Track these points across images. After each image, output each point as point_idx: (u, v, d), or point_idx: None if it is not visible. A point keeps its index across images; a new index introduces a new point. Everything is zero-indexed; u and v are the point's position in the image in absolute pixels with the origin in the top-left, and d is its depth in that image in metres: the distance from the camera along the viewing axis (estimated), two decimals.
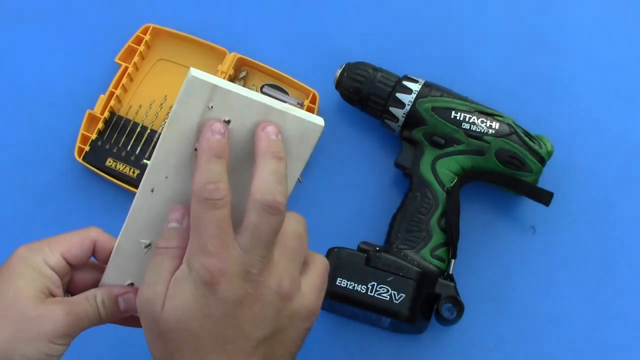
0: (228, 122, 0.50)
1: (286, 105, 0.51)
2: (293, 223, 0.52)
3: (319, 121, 0.52)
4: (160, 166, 0.52)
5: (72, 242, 0.56)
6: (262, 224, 0.48)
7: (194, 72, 0.49)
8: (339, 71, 0.80)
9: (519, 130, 0.75)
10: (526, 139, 0.75)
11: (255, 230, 0.48)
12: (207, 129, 0.49)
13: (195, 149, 0.51)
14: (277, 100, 0.51)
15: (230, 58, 0.82)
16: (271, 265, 0.50)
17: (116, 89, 0.83)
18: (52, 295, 0.55)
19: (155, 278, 0.50)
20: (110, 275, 0.57)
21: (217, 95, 0.49)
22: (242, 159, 0.52)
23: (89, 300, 0.55)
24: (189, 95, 0.49)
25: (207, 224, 0.48)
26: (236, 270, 0.48)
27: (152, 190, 0.52)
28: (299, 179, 0.51)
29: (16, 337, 0.52)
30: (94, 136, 0.81)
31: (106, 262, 0.57)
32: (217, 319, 0.48)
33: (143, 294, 0.51)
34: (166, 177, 0.52)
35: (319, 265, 0.54)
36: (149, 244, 0.55)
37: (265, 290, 0.49)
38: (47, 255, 0.55)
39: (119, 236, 0.55)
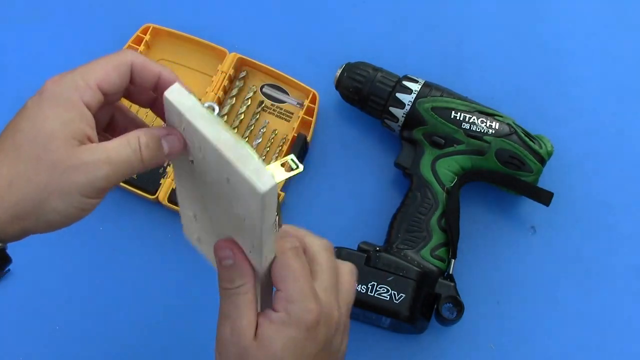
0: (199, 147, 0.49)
1: (240, 153, 0.44)
2: (347, 272, 0.56)
3: (261, 185, 0.43)
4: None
5: (108, 69, 0.50)
6: (331, 268, 0.53)
7: (170, 92, 0.48)
8: (339, 71, 0.80)
9: (519, 130, 0.75)
10: (526, 139, 0.75)
11: (330, 275, 0.53)
12: None
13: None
14: (235, 143, 0.45)
15: (230, 58, 0.82)
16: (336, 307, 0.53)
17: None
18: (88, 138, 0.49)
19: (237, 313, 0.50)
20: None
21: (184, 122, 0.48)
22: (215, 182, 0.50)
23: (131, 144, 0.49)
24: (170, 113, 0.49)
25: (299, 272, 0.50)
26: (327, 313, 0.51)
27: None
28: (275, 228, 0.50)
29: (47, 187, 0.47)
30: None
31: (145, 87, 0.52)
32: (311, 357, 0.51)
33: (227, 326, 0.51)
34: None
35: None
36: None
37: (335, 330, 0.53)
38: (81, 90, 0.49)
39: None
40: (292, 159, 0.50)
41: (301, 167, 0.50)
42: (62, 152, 0.48)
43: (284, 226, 0.51)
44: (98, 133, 0.51)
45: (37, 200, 0.48)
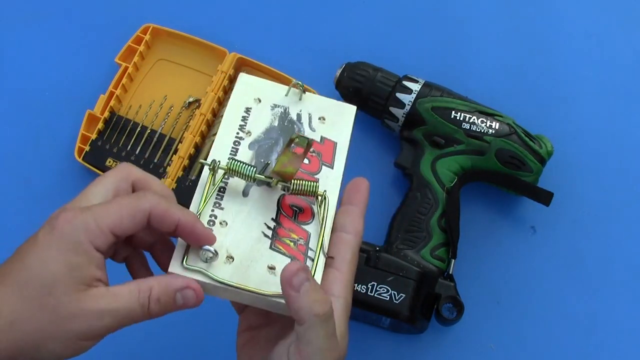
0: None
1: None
2: None
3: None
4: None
5: (123, 215, 0.49)
6: None
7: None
8: (339, 71, 0.80)
9: (519, 130, 0.75)
10: (526, 138, 0.75)
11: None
12: None
13: None
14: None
15: (230, 58, 0.82)
16: None
17: (116, 89, 0.83)
18: (97, 280, 0.49)
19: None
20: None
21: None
22: None
23: (140, 298, 0.49)
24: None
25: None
26: None
27: None
28: None
29: (47, 331, 0.47)
30: (94, 136, 0.81)
31: (163, 231, 0.51)
32: None
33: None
34: None
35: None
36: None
37: None
38: (93, 234, 0.48)
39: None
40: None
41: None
42: (66, 298, 0.47)
43: None
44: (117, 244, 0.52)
45: (35, 343, 0.48)
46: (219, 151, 0.56)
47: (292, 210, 0.55)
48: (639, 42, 0.86)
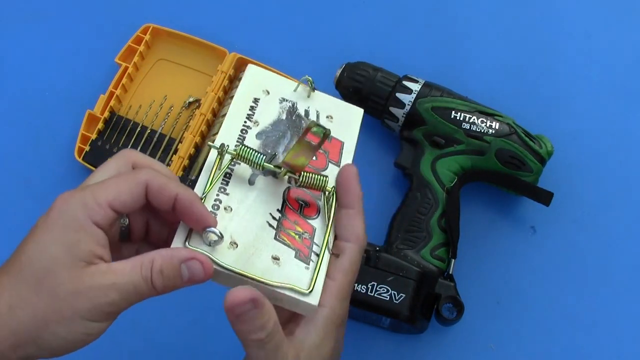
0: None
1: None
2: None
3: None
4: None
5: (121, 188, 0.48)
6: None
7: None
8: (339, 71, 0.80)
9: (519, 130, 0.75)
10: (526, 138, 0.75)
11: None
12: None
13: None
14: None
15: (230, 58, 0.82)
16: None
17: (116, 89, 0.83)
18: (99, 258, 0.47)
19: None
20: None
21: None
22: None
23: (142, 270, 0.47)
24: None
25: None
26: None
27: None
28: None
29: (47, 312, 0.46)
30: (94, 136, 0.81)
31: (162, 207, 0.50)
32: None
33: None
34: None
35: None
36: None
37: None
38: (91, 210, 0.47)
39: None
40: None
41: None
42: (65, 276, 0.46)
43: None
44: (134, 241, 0.51)
45: (35, 327, 0.46)
46: (226, 137, 0.56)
47: (297, 204, 0.55)
48: (638, 42, 0.86)
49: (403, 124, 0.78)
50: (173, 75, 0.85)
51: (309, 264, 0.52)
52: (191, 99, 0.83)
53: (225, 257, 0.50)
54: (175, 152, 0.81)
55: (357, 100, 0.79)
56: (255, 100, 0.58)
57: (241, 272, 0.49)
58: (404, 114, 0.77)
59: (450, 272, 0.74)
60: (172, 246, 0.49)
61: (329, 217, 0.54)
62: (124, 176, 0.49)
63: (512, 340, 0.76)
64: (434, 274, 0.73)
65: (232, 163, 0.54)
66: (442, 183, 0.75)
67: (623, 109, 0.83)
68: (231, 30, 0.86)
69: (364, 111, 0.80)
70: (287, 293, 0.49)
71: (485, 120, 0.76)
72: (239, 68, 0.84)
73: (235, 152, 0.53)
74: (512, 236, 0.79)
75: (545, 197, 0.76)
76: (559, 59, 0.85)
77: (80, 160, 0.81)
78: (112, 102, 0.82)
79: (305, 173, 0.54)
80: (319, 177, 0.54)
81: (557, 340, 0.76)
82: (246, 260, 0.50)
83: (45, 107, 0.85)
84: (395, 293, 0.70)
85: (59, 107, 0.85)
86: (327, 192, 0.55)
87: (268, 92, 0.59)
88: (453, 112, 0.76)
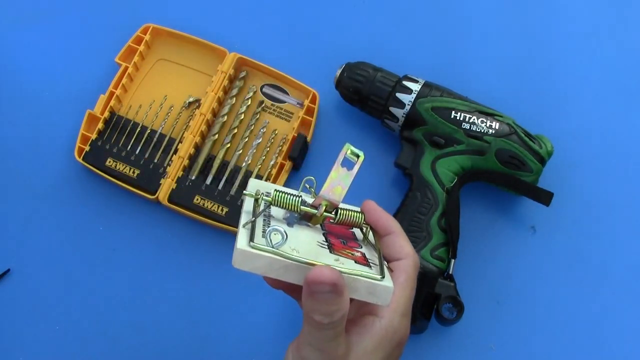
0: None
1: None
2: None
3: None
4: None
5: None
6: None
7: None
8: (339, 71, 0.80)
9: (519, 130, 0.75)
10: (526, 138, 0.75)
11: None
12: None
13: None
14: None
15: (230, 58, 0.82)
16: None
17: (116, 89, 0.83)
18: None
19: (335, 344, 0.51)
20: None
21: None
22: None
23: None
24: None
25: None
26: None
27: None
28: None
29: None
30: (94, 136, 0.81)
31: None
32: None
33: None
34: None
35: None
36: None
37: None
38: None
39: None
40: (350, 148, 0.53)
41: (361, 154, 0.52)
42: None
43: None
44: None
45: None
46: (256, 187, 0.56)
47: (339, 241, 0.54)
48: (639, 42, 0.86)
49: (403, 124, 0.78)
50: (173, 75, 0.85)
51: (370, 267, 0.51)
52: (191, 99, 0.83)
53: (292, 255, 0.49)
54: (175, 152, 0.81)
55: (357, 100, 0.79)
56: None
57: (311, 261, 0.48)
58: (404, 114, 0.77)
59: (450, 272, 0.74)
60: (238, 245, 0.49)
61: (376, 241, 0.54)
62: None
63: (512, 340, 0.76)
64: (434, 274, 0.73)
65: (267, 210, 0.54)
66: (442, 183, 0.75)
67: (623, 109, 0.83)
68: (231, 30, 0.86)
69: (364, 111, 0.81)
70: (364, 278, 0.49)
71: (485, 120, 0.76)
72: (239, 68, 0.84)
73: (271, 199, 0.53)
74: (512, 236, 0.79)
75: (545, 197, 0.76)
76: (559, 59, 0.85)
77: (80, 160, 0.81)
78: (112, 102, 0.82)
79: (342, 210, 0.53)
80: (355, 212, 0.54)
81: (557, 340, 0.76)
82: (313, 259, 0.49)
83: (45, 107, 0.85)
84: None
85: (59, 107, 0.85)
86: (364, 228, 0.55)
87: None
88: (453, 112, 0.76)
